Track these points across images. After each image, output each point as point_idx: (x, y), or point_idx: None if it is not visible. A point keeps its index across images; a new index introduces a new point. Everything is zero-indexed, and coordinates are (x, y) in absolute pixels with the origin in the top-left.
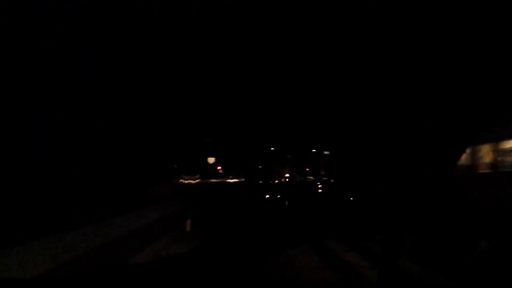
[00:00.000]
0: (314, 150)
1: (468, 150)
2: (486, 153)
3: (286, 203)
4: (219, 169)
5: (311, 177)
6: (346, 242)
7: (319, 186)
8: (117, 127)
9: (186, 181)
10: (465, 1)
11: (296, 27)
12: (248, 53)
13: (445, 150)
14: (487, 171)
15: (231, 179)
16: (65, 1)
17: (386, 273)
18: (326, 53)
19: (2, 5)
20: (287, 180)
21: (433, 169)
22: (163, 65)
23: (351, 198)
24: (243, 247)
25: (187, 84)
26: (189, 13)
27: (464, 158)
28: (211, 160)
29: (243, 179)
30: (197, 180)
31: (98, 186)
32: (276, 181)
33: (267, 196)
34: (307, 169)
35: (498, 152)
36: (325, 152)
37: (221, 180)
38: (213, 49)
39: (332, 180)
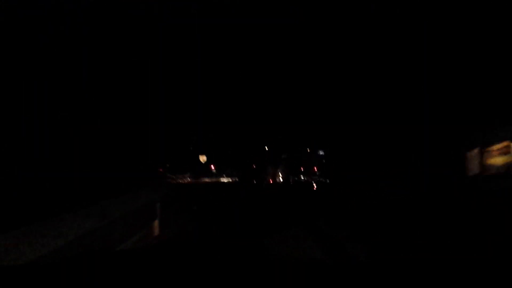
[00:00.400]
0: (309, 150)
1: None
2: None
3: (282, 202)
4: (213, 168)
5: (306, 177)
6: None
7: (315, 186)
8: (117, 127)
9: (178, 181)
10: (465, 1)
11: (296, 27)
12: (248, 53)
13: (445, 150)
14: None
15: (225, 178)
16: (65, 1)
17: (377, 256)
18: (326, 53)
19: (2, 5)
20: (281, 179)
21: (433, 169)
22: (163, 65)
23: (351, 198)
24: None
25: (187, 84)
26: (189, 13)
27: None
28: (203, 158)
29: (237, 179)
30: (187, 180)
31: (98, 186)
32: (271, 181)
33: (262, 196)
34: (301, 168)
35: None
36: (320, 152)
37: (214, 179)
38: (213, 49)
39: (327, 180)
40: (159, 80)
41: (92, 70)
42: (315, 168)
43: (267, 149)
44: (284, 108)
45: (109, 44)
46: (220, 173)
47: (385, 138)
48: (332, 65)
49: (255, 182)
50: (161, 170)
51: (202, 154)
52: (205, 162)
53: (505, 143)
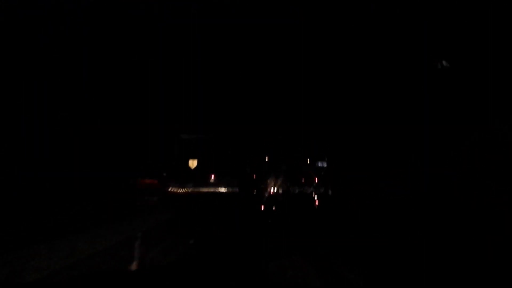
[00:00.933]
0: (309, 161)
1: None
2: None
3: (282, 215)
4: (212, 177)
5: (307, 189)
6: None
7: (316, 198)
8: (117, 127)
9: (176, 191)
10: (465, 1)
11: (296, 27)
12: (248, 53)
13: (445, 150)
14: None
15: (224, 188)
16: (65, 1)
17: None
18: (326, 53)
19: (2, 5)
20: (281, 191)
21: (433, 169)
22: (163, 65)
23: (352, 208)
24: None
25: (187, 84)
26: (189, 13)
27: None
28: (193, 163)
29: (236, 189)
30: (183, 190)
31: (98, 186)
32: (271, 192)
33: (262, 207)
34: (302, 180)
35: None
36: (319, 164)
37: (212, 189)
38: (213, 49)
39: (330, 192)
40: (159, 80)
41: (92, 70)
42: (316, 179)
43: (267, 159)
44: (283, 108)
45: (109, 44)
46: (219, 182)
47: (385, 138)
48: (332, 65)
49: (255, 192)
50: (155, 182)
51: (193, 158)
52: (198, 169)
53: None
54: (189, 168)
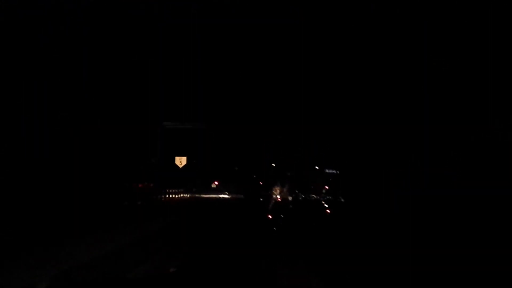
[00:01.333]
0: (317, 167)
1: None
2: None
3: (292, 223)
4: (216, 183)
5: (316, 196)
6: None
7: (326, 206)
8: (117, 127)
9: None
10: (465, 1)
11: (296, 27)
12: (248, 53)
13: (445, 150)
14: None
15: (227, 194)
16: (65, 1)
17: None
18: (326, 53)
19: (2, 5)
20: (290, 198)
21: (433, 169)
22: (163, 65)
23: (355, 203)
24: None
25: (187, 83)
26: (189, 13)
27: None
28: (181, 161)
29: (241, 196)
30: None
31: (97, 186)
32: (279, 199)
33: (270, 216)
34: (312, 187)
35: None
36: (328, 170)
37: (215, 195)
38: (213, 49)
39: (342, 200)
40: (159, 80)
41: (92, 70)
42: (326, 186)
43: (273, 166)
44: (283, 108)
45: (109, 44)
46: (222, 189)
47: (385, 138)
48: (332, 65)
49: (261, 200)
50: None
51: (180, 155)
52: (185, 166)
53: None
54: (177, 167)
